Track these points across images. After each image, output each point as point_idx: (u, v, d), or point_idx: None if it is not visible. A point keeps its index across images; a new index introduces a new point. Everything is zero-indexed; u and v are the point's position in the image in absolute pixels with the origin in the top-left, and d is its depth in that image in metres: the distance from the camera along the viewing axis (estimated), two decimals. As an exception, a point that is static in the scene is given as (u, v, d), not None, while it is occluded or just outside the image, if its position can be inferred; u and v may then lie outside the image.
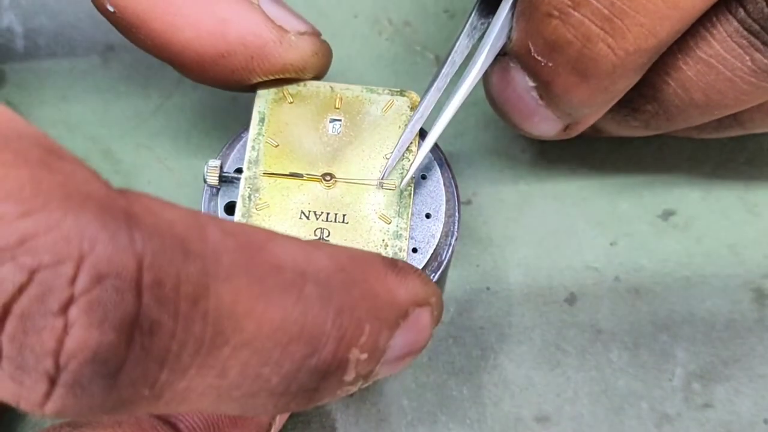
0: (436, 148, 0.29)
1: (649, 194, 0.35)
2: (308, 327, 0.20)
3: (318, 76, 0.30)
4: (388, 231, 0.27)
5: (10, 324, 0.17)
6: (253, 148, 0.28)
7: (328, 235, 0.27)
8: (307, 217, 0.28)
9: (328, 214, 0.28)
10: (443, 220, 0.28)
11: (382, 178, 0.28)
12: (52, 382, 0.17)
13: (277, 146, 0.28)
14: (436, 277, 0.28)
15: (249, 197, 0.28)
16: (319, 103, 0.29)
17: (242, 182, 0.28)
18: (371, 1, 0.38)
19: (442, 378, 0.33)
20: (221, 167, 0.29)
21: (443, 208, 0.28)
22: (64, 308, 0.17)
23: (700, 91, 0.29)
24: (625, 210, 0.35)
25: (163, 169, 0.35)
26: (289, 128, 0.29)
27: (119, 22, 0.29)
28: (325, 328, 0.20)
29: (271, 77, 0.29)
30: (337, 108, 0.29)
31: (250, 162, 0.28)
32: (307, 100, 0.29)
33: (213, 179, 0.29)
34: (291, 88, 0.29)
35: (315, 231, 0.27)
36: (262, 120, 0.29)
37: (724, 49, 0.28)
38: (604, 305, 0.34)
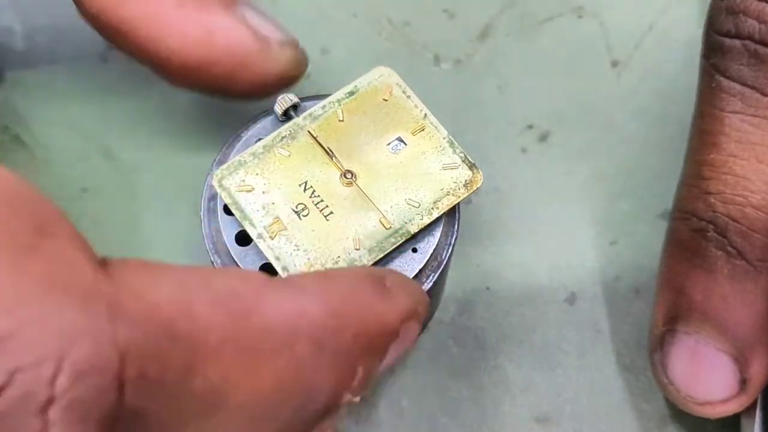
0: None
1: (649, 194, 0.35)
2: (302, 383, 0.20)
3: (290, 85, 0.30)
4: (349, 254, 0.27)
5: None
6: (323, 107, 0.28)
7: (307, 215, 0.27)
8: (304, 190, 0.27)
9: (321, 201, 0.27)
10: (443, 220, 0.28)
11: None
12: None
13: (341, 121, 0.28)
14: (436, 276, 0.28)
15: (282, 138, 0.28)
16: (405, 117, 0.28)
17: (289, 124, 0.28)
18: (371, 1, 0.38)
19: (442, 378, 0.33)
20: (297, 105, 0.29)
21: (443, 208, 0.28)
22: (44, 409, 0.16)
23: None
24: (625, 210, 0.35)
25: (163, 169, 0.35)
26: (363, 116, 0.28)
27: (105, 28, 0.29)
28: (318, 380, 0.20)
29: (252, 89, 0.29)
30: (414, 133, 0.28)
31: (310, 115, 0.28)
32: (397, 108, 0.28)
33: (280, 108, 0.29)
34: (396, 90, 0.29)
35: (297, 204, 0.27)
36: (352, 93, 0.28)
37: None
38: (605, 305, 0.34)
